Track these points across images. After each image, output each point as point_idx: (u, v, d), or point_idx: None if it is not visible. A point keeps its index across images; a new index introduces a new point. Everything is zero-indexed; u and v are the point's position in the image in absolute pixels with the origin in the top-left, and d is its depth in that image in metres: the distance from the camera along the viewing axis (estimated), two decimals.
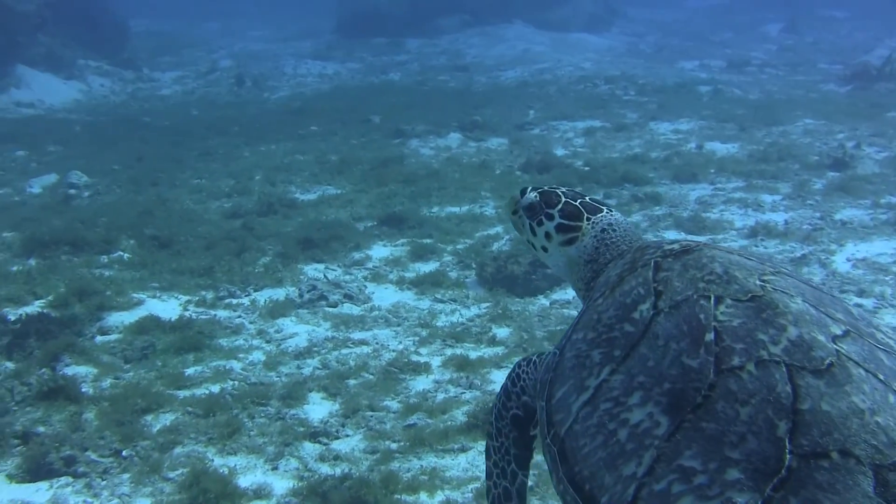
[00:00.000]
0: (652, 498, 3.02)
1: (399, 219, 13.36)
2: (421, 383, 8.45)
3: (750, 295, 3.37)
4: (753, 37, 40.02)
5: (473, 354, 8.95)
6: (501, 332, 9.58)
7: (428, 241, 12.54)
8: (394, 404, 8.07)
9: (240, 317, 10.24)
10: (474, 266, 11.39)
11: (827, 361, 3.07)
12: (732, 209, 13.49)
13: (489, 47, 35.79)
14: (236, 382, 8.46)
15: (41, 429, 7.43)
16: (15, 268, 11.72)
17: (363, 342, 9.41)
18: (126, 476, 6.83)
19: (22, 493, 6.68)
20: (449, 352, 9.11)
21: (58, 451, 6.96)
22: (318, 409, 8.01)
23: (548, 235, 4.35)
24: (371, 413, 7.88)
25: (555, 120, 21.12)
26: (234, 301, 10.70)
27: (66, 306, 10.26)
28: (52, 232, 12.76)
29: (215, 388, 8.27)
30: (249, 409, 7.90)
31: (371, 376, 8.61)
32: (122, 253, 12.44)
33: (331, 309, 10.33)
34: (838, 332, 3.25)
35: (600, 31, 39.83)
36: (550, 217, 4.33)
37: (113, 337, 9.61)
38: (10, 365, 8.74)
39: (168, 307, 10.42)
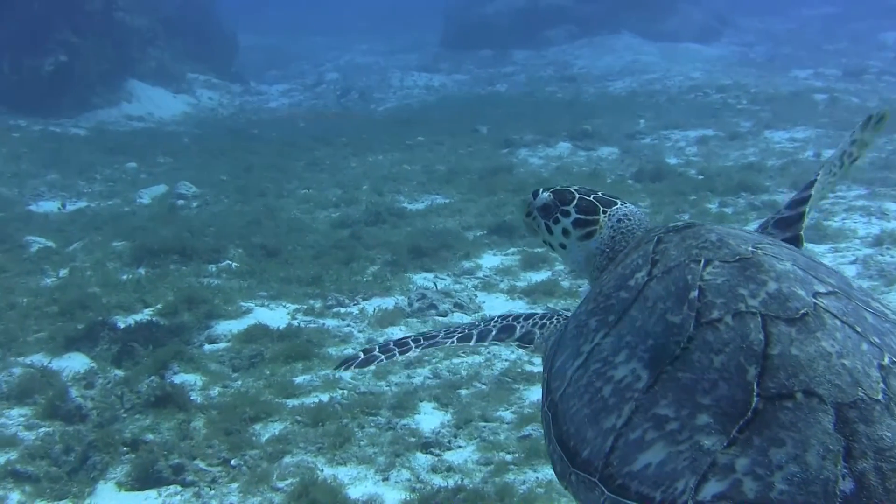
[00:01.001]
0: (627, 446, 3.18)
1: (509, 228, 13.10)
2: (535, 393, 8.14)
3: (738, 257, 3.48)
4: (870, 45, 38.79)
5: None
6: None
7: (539, 250, 12.24)
8: (507, 415, 7.81)
9: (348, 326, 10.08)
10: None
11: (802, 311, 3.18)
12: (855, 217, 12.97)
13: (597, 58, 35.37)
14: (346, 392, 8.27)
15: (150, 436, 7.33)
16: (125, 276, 11.76)
17: (475, 351, 9.13)
18: (234, 486, 6.69)
19: (131, 501, 6.60)
20: None
21: (166, 460, 6.85)
22: (429, 419, 7.78)
23: (565, 232, 4.45)
24: (484, 424, 7.62)
25: (666, 129, 20.70)
26: (343, 310, 10.54)
27: (174, 314, 10.23)
28: (161, 241, 12.78)
29: (324, 398, 8.08)
30: (359, 419, 7.70)
31: (484, 386, 8.36)
32: (230, 262, 12.41)
33: (441, 318, 10.11)
34: (822, 290, 3.33)
35: (710, 40, 39.08)
36: (567, 214, 4.44)
37: (221, 345, 9.53)
38: (119, 373, 8.69)
39: (276, 316, 10.32)
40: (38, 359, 9.00)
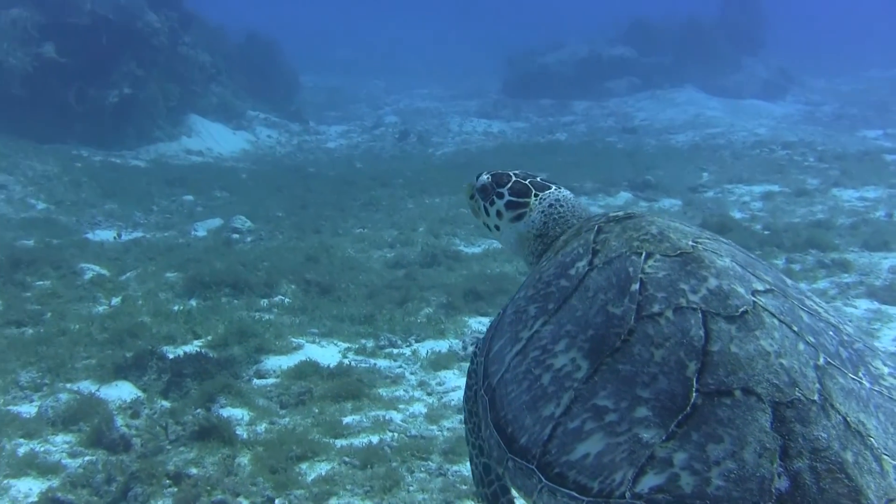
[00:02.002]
0: (565, 436, 3.24)
1: None
2: None
3: (679, 251, 3.56)
4: None
5: None
6: None
7: None
8: None
9: (400, 367, 9.86)
10: None
11: (742, 309, 3.29)
12: None
13: (659, 111, 35.14)
14: (396, 434, 8.02)
15: (194, 470, 7.13)
16: (176, 307, 11.65)
17: None
18: None
19: None
20: None
21: (209, 495, 6.65)
22: None
23: (499, 213, 4.59)
24: None
25: (730, 183, 20.35)
26: (395, 351, 10.34)
27: (224, 347, 10.09)
28: (214, 273, 12.70)
29: (374, 439, 7.84)
30: (409, 463, 7.43)
31: None
32: (282, 297, 12.29)
33: None
34: (760, 287, 3.44)
35: (774, 98, 38.71)
36: (500, 196, 4.58)
37: (270, 381, 9.35)
38: (165, 403, 8.53)
39: (327, 353, 10.12)
40: (86, 386, 8.90)
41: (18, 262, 13.15)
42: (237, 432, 7.85)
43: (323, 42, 58.70)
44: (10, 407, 8.41)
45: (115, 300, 11.97)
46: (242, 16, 43.15)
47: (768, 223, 16.14)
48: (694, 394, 3.07)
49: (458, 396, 8.94)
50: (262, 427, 8.15)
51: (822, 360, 3.23)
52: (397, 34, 67.30)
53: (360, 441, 7.84)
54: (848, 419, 3.06)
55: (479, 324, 11.19)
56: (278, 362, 9.77)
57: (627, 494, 2.97)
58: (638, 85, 39.06)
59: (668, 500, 2.90)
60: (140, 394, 8.78)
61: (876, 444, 3.03)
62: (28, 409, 8.39)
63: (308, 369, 9.38)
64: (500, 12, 78.15)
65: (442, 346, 10.35)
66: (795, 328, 3.32)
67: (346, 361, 9.82)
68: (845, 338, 3.53)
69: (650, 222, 3.80)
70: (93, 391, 8.68)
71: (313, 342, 10.53)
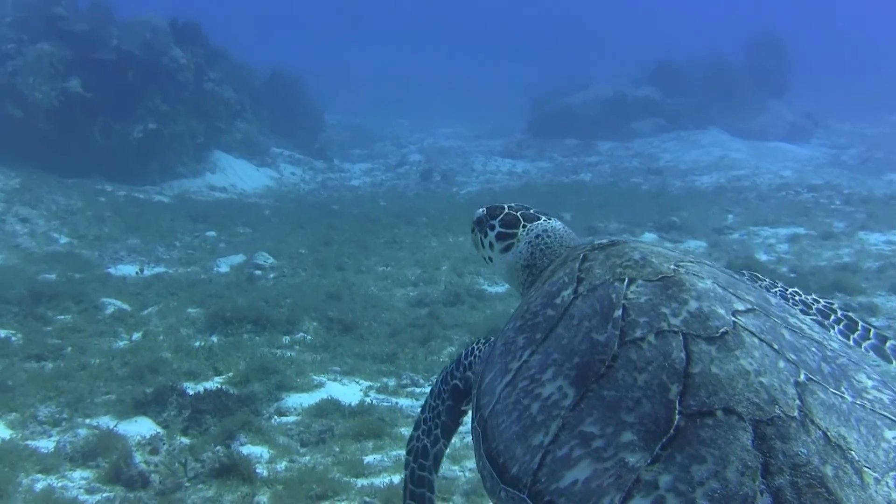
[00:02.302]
0: (554, 463, 3.29)
1: None
2: None
3: (661, 276, 3.63)
4: None
5: None
6: None
7: None
8: None
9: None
10: None
11: (722, 330, 3.34)
12: None
13: (684, 152, 35.04)
14: None
15: None
16: (198, 343, 11.59)
17: None
18: None
19: None
20: None
21: None
22: None
23: (491, 245, 4.77)
24: None
25: (755, 225, 20.19)
26: (418, 390, 10.25)
27: (245, 384, 10.00)
28: (235, 309, 12.64)
29: (396, 479, 7.70)
30: None
31: None
32: (304, 334, 12.21)
33: None
34: (741, 307, 3.49)
35: (800, 140, 38.55)
36: (492, 227, 4.76)
37: (291, 419, 9.24)
38: (185, 440, 8.42)
39: (349, 392, 10.03)
40: (105, 421, 8.80)
41: (40, 295, 13.12)
42: (257, 470, 7.73)
43: (348, 81, 59.02)
44: (29, 441, 8.31)
45: (136, 335, 11.92)
46: (268, 54, 43.46)
47: (794, 266, 15.99)
48: (677, 416, 3.14)
49: None
50: (282, 465, 8.04)
51: (802, 377, 3.28)
52: (422, 73, 67.57)
53: (381, 480, 7.71)
54: (828, 434, 3.10)
55: None
56: (299, 400, 9.66)
57: None
58: (663, 126, 39.02)
59: None
60: (159, 430, 8.68)
61: (857, 458, 3.07)
62: (46, 444, 8.28)
63: (329, 407, 9.28)
64: (525, 53, 78.46)
65: None
66: (776, 346, 3.37)
67: (367, 400, 9.72)
68: (829, 353, 3.56)
69: (633, 248, 3.89)
70: (112, 427, 8.56)
71: (335, 380, 10.43)
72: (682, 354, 3.29)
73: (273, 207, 24.93)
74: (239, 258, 17.23)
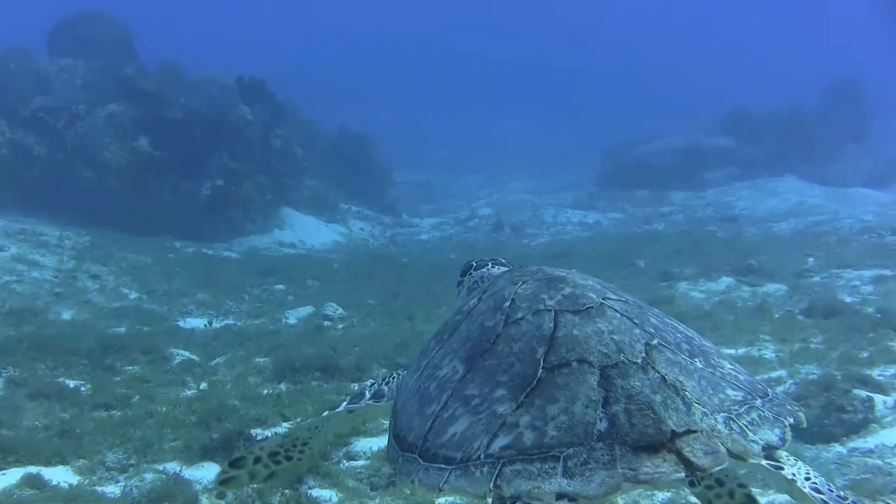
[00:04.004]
0: (440, 424, 3.97)
1: None
2: None
3: (549, 277, 4.44)
4: None
5: (764, 500, 7.70)
6: None
7: None
8: None
9: None
10: None
11: (588, 305, 4.09)
12: None
13: (760, 200, 34.42)
14: None
15: None
16: (265, 391, 11.45)
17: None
18: None
19: None
20: None
21: None
22: None
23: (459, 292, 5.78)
24: None
25: (837, 268, 19.51)
26: None
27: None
28: (304, 358, 12.52)
29: None
30: None
31: None
32: (373, 381, 11.90)
33: None
34: (612, 297, 4.25)
35: (880, 186, 37.66)
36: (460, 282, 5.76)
37: (360, 462, 9.04)
38: (252, 485, 8.16)
39: None
40: (172, 467, 8.70)
41: (109, 347, 13.07)
42: None
43: (415, 141, 59.08)
44: (96, 487, 8.19)
45: (204, 384, 11.81)
46: (334, 113, 43.58)
47: (881, 306, 15.36)
48: (540, 370, 3.85)
49: None
50: None
51: (655, 342, 3.96)
52: (490, 133, 67.66)
53: None
54: (666, 377, 3.77)
55: None
56: (369, 444, 9.44)
57: (482, 456, 3.69)
58: (737, 175, 38.46)
59: (512, 454, 3.62)
60: None
61: (689, 396, 3.73)
62: (113, 490, 8.18)
63: None
64: (594, 108, 78.38)
65: None
66: (636, 321, 4.06)
67: None
68: (698, 346, 4.24)
69: (538, 269, 4.71)
70: (178, 472, 8.39)
71: None
72: (551, 324, 4.03)
73: (342, 261, 24.92)
74: (307, 310, 17.09)
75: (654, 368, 3.79)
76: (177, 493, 7.82)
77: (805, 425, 3.99)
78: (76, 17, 29.97)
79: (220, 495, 7.93)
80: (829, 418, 9.51)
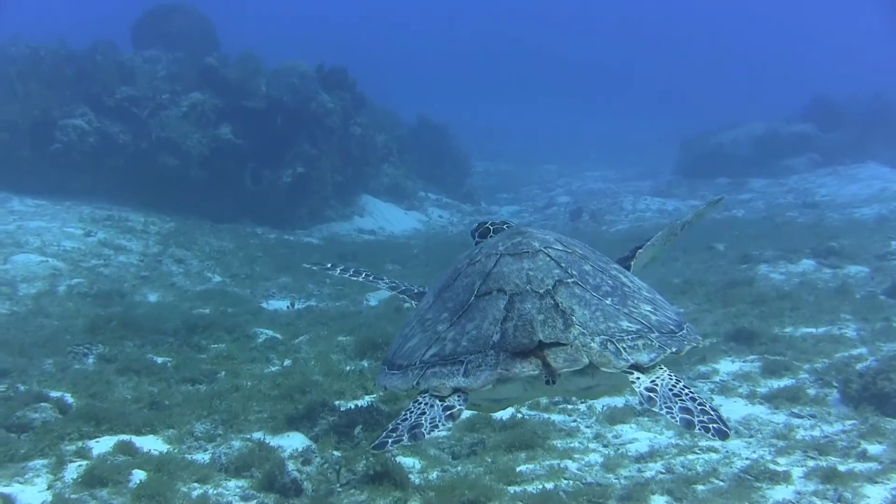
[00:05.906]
0: (404, 341, 5.29)
1: (749, 335, 12.29)
2: (780, 492, 7.33)
3: (513, 232, 5.67)
4: None
5: (842, 468, 7.71)
6: (874, 448, 8.24)
7: (781, 357, 11.38)
8: None
9: (575, 421, 9.59)
10: (835, 384, 10.10)
11: (525, 251, 5.25)
12: None
13: (841, 186, 33.82)
14: (571, 482, 7.71)
15: None
16: (348, 367, 11.65)
17: (712, 449, 8.42)
18: None
19: None
20: (812, 463, 7.92)
21: None
22: None
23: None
24: None
25: None
26: (570, 406, 10.03)
27: (395, 401, 9.91)
28: (386, 336, 12.64)
29: (549, 485, 7.53)
30: None
31: (722, 483, 7.63)
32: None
33: None
34: (558, 247, 5.37)
35: None
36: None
37: (441, 433, 9.07)
38: (337, 453, 8.38)
39: None
40: (258, 437, 8.87)
41: (195, 327, 13.38)
42: (409, 478, 7.65)
43: (494, 134, 59.02)
44: (186, 455, 8.43)
45: (287, 361, 12.05)
46: (415, 104, 43.82)
47: None
48: (472, 298, 5.09)
49: (635, 448, 8.64)
50: (433, 474, 7.99)
51: (570, 281, 5.07)
52: (568, 125, 67.37)
53: (534, 488, 7.56)
54: (560, 304, 4.90)
55: None
56: None
57: (418, 362, 4.96)
58: (818, 162, 37.81)
59: (436, 359, 4.89)
60: (311, 444, 8.70)
61: (574, 320, 4.82)
62: (202, 457, 8.43)
63: (481, 422, 9.20)
64: (673, 98, 77.76)
65: (618, 401, 9.95)
66: (563, 264, 5.18)
67: (519, 415, 9.55)
68: (625, 292, 5.26)
69: (518, 228, 5.90)
70: (263, 440, 8.62)
71: None
72: (492, 264, 5.22)
73: (421, 247, 25.07)
74: (388, 293, 17.21)
75: (551, 297, 4.91)
76: (264, 459, 7.99)
77: (684, 353, 4.95)
78: (159, 10, 30.42)
79: (306, 462, 8.14)
80: None
